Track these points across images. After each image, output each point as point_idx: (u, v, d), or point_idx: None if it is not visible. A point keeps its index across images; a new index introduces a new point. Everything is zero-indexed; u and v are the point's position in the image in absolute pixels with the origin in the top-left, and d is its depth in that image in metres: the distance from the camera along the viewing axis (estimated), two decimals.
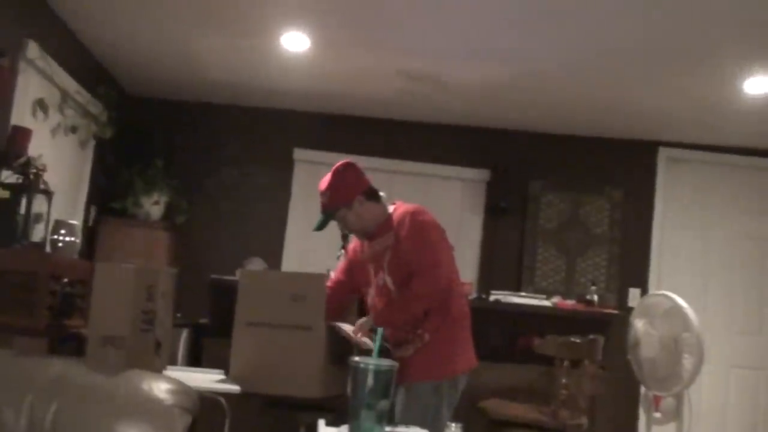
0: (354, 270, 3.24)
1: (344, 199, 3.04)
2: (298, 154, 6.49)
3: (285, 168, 6.50)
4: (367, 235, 3.12)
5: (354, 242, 3.29)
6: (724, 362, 6.15)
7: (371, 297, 3.13)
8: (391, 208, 3.12)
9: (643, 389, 5.33)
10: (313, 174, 6.46)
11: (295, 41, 4.97)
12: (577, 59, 4.92)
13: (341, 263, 3.37)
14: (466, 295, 3.18)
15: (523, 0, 4.12)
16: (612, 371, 4.91)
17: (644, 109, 5.75)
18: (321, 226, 3.12)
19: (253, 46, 5.14)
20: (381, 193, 3.16)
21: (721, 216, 6.41)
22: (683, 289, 5.63)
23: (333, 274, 3.34)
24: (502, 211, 6.40)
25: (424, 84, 5.61)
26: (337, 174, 3.07)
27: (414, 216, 3.02)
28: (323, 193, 3.08)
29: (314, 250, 6.17)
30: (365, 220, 3.08)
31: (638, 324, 4.95)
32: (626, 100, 5.58)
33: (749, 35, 4.30)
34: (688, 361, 4.67)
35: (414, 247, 2.95)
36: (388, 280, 3.02)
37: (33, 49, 4.44)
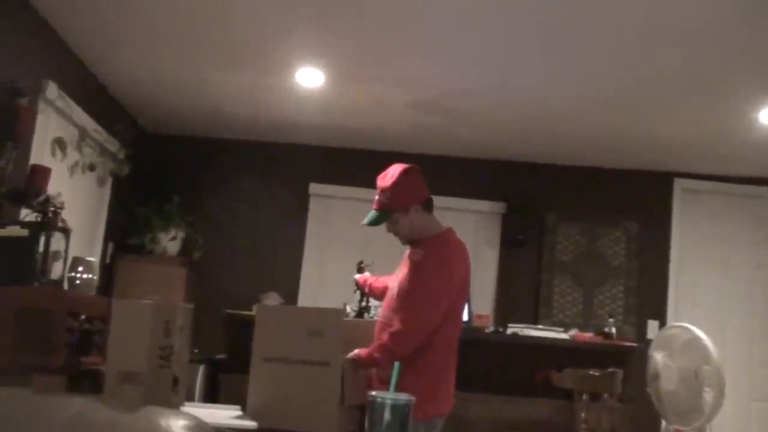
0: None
1: (403, 203, 3.03)
2: (314, 188, 6.52)
3: (301, 202, 6.53)
4: (410, 243, 3.11)
5: None
6: (745, 396, 6.07)
7: (382, 306, 3.15)
8: (442, 229, 3.10)
9: (663, 423, 5.26)
10: (329, 208, 6.49)
11: (309, 77, 5.02)
12: (592, 91, 4.93)
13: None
14: (455, 337, 3.11)
15: (538, 33, 4.15)
16: (632, 405, 4.85)
17: (659, 141, 5.75)
18: (374, 223, 3.11)
19: (269, 83, 5.19)
20: None
21: (739, 247, 6.37)
22: (702, 320, 5.58)
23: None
24: (518, 244, 6.39)
25: (439, 117, 5.64)
26: (403, 176, 3.05)
27: (446, 251, 3.02)
28: (384, 191, 3.05)
29: (330, 284, 6.17)
30: (414, 229, 3.06)
31: (657, 356, 4.90)
32: (641, 131, 5.58)
33: (763, 66, 4.30)
34: (708, 395, 4.60)
35: (424, 278, 2.95)
36: (395, 290, 3.04)
37: (52, 90, 4.51)
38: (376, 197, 3.09)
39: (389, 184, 3.04)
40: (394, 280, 3.14)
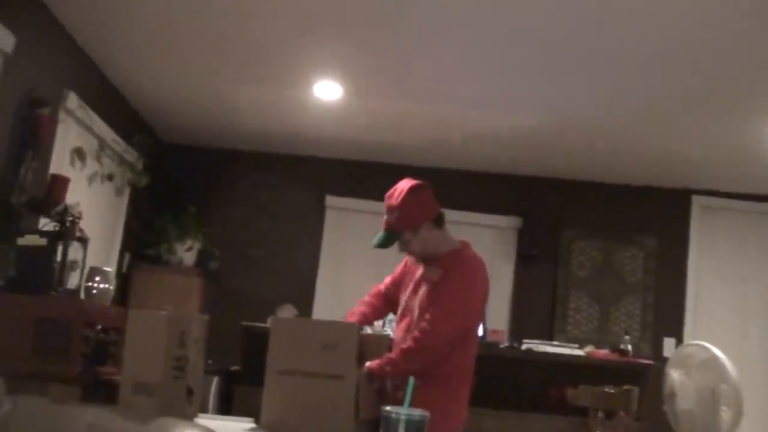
0: (391, 294, 3.18)
1: (413, 223, 2.93)
2: (330, 201, 6.53)
3: (316, 215, 6.54)
4: (424, 261, 3.03)
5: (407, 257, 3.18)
6: (762, 415, 6.00)
7: (397, 326, 3.09)
8: (456, 245, 3.02)
9: None
10: (345, 221, 6.49)
11: (327, 90, 5.03)
12: (609, 107, 4.92)
13: (383, 285, 3.25)
14: (473, 354, 3.05)
15: (555, 48, 4.15)
16: (648, 423, 4.81)
17: (677, 157, 5.72)
18: (383, 245, 2.99)
19: (287, 95, 5.22)
20: None
21: (758, 265, 6.32)
22: (719, 338, 5.52)
23: (366, 297, 3.26)
24: (534, 259, 6.37)
25: (456, 132, 5.64)
26: (411, 194, 2.93)
27: (470, 270, 2.96)
28: (392, 211, 2.94)
29: (345, 297, 6.17)
30: (428, 247, 2.98)
31: (674, 375, 4.85)
32: (659, 147, 5.56)
33: None
34: (726, 414, 4.55)
35: (445, 295, 2.90)
36: (415, 308, 2.98)
37: (73, 100, 4.55)
38: (384, 217, 2.99)
39: (397, 204, 2.93)
40: (411, 300, 3.05)
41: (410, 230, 2.94)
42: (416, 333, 2.88)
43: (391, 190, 3.01)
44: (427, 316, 2.89)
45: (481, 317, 3.07)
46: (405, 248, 3.02)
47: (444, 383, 2.87)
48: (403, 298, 3.09)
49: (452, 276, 2.91)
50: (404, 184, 2.99)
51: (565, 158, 6.04)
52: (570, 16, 3.77)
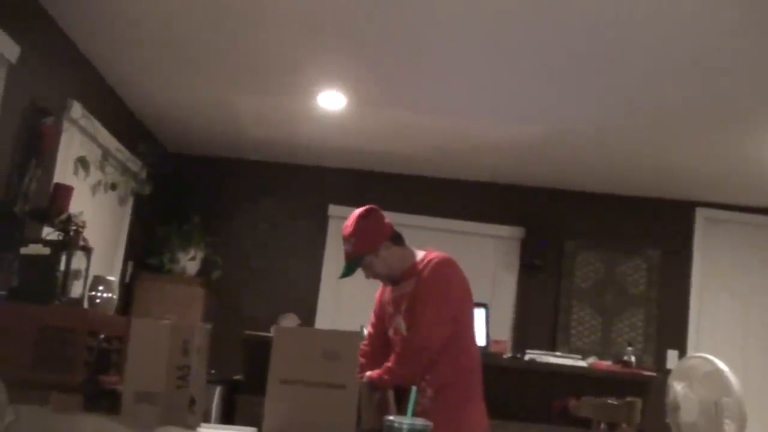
0: (380, 330, 3.19)
1: (370, 245, 2.99)
2: (333, 210, 6.54)
3: (320, 224, 6.55)
4: (392, 280, 3.08)
5: (380, 288, 3.23)
6: (765, 428, 5.97)
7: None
8: (420, 254, 3.07)
9: None
10: None
11: (331, 100, 5.05)
12: (613, 118, 4.93)
13: (368, 335, 3.28)
14: (476, 355, 3.10)
15: (559, 60, 4.16)
16: None
17: (682, 170, 5.72)
18: (347, 274, 3.05)
19: (291, 105, 5.23)
20: None
21: (762, 277, 6.31)
22: (722, 350, 5.50)
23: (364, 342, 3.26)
24: (537, 270, 6.36)
25: (459, 142, 5.65)
26: (360, 220, 3.00)
27: (438, 266, 2.99)
28: (347, 240, 3.01)
29: (348, 306, 6.16)
30: (391, 266, 3.03)
31: (677, 387, 4.83)
32: (663, 159, 5.56)
33: None
34: (729, 427, 4.53)
35: (422, 296, 2.94)
36: (402, 326, 3.01)
37: (77, 109, 4.56)
38: (344, 248, 3.05)
39: (350, 232, 3.00)
40: (397, 322, 3.07)
41: (370, 252, 3.00)
42: (406, 338, 2.95)
43: (344, 223, 3.07)
44: (413, 321, 2.94)
45: (468, 313, 3.07)
46: (370, 272, 3.06)
47: (450, 388, 2.92)
48: (390, 330, 3.10)
49: (424, 281, 2.97)
50: (354, 213, 3.05)
51: (569, 169, 6.05)
52: (575, 29, 3.78)
